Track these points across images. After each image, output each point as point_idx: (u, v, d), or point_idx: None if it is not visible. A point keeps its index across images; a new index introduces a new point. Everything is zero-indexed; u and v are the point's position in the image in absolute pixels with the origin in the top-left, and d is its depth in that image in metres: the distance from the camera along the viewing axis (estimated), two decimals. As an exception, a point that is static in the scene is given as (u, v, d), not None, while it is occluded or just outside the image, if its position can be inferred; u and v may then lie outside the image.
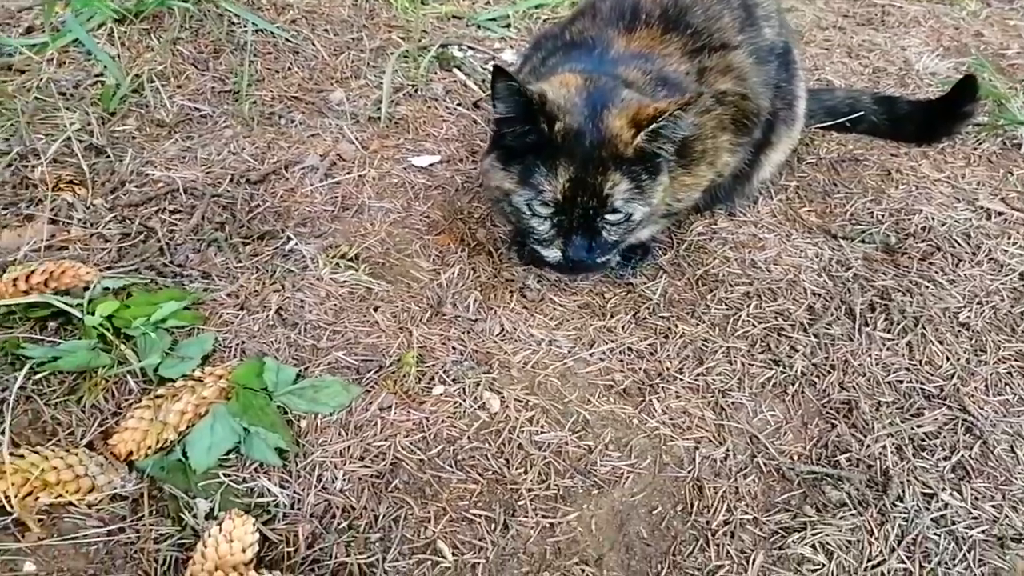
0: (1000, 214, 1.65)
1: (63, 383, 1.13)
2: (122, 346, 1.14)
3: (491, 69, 1.15)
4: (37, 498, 0.98)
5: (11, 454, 1.00)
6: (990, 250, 1.55)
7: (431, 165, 1.69)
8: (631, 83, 1.27)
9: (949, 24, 2.44)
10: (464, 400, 1.18)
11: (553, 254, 1.26)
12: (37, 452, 1.01)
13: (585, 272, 1.34)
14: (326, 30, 2.02)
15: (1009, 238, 1.58)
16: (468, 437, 1.13)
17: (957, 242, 1.56)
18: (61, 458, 1.01)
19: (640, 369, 1.28)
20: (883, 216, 1.64)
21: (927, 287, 1.45)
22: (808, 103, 1.72)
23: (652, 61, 1.32)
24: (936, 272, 1.49)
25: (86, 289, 1.23)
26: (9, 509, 0.96)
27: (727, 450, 1.16)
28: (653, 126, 1.14)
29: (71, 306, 1.17)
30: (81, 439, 1.08)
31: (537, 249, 1.27)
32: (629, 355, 1.30)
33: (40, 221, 1.43)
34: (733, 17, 1.41)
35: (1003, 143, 1.88)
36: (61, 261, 1.26)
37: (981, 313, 1.41)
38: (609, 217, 1.21)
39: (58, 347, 1.14)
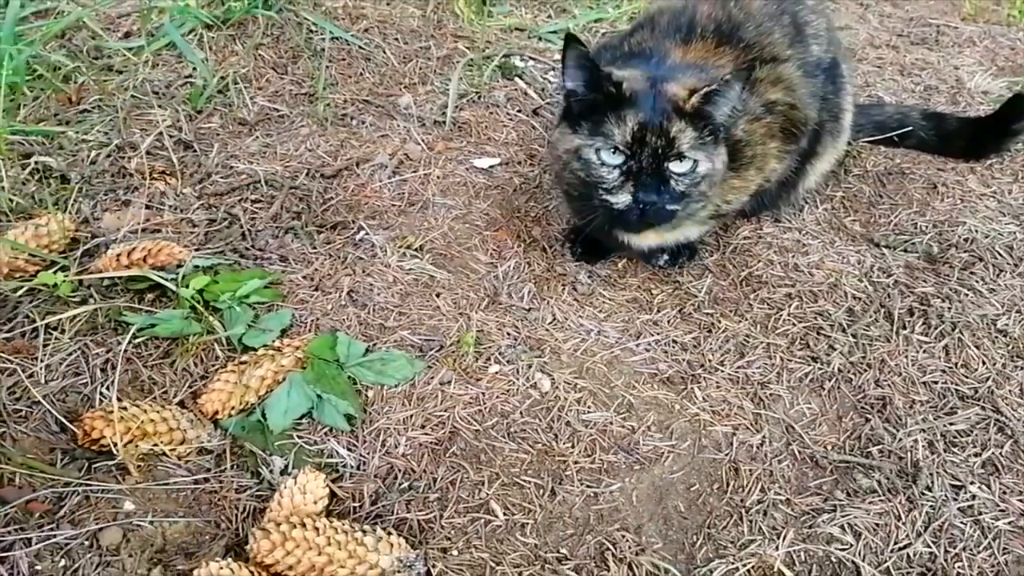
0: (1046, 231, 1.69)
1: (159, 348, 1.26)
2: (211, 317, 1.27)
3: (564, 38, 1.25)
4: (137, 446, 1.11)
5: (117, 406, 1.12)
6: (1033, 262, 1.58)
7: (491, 167, 1.80)
8: None
9: (1005, 44, 2.47)
10: (517, 379, 1.28)
11: (623, 199, 1.29)
12: (137, 406, 1.14)
13: (654, 219, 1.33)
14: (396, 39, 2.14)
15: (1052, 252, 1.62)
16: (520, 412, 1.23)
17: (999, 253, 1.60)
18: (157, 412, 1.13)
19: (683, 360, 1.36)
20: (926, 227, 1.69)
21: (966, 295, 1.50)
22: (857, 117, 1.79)
23: (706, 71, 1.40)
24: (976, 281, 1.54)
25: (179, 266, 1.36)
26: (115, 453, 1.08)
27: (763, 437, 1.23)
28: (707, 90, 1.24)
29: (167, 280, 1.30)
30: (174, 398, 1.20)
31: (606, 199, 1.30)
32: (673, 347, 1.38)
33: (137, 206, 1.58)
34: (783, 33, 1.48)
35: (1052, 161, 1.90)
36: (157, 240, 1.39)
37: (1020, 321, 1.45)
38: (675, 166, 1.27)
39: (155, 316, 1.27)
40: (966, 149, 1.87)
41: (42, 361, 1.20)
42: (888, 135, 1.89)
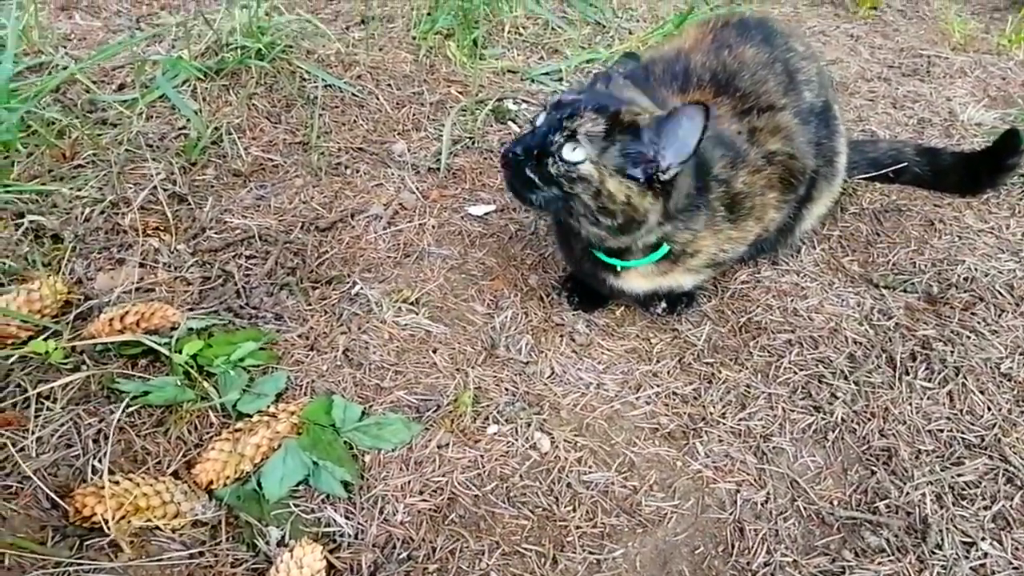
0: (1045, 266, 1.67)
1: (152, 416, 1.24)
2: (205, 383, 1.25)
3: None
4: (129, 521, 1.08)
5: (108, 480, 1.10)
6: (1033, 301, 1.57)
7: (486, 214, 1.79)
8: None
9: (996, 75, 2.47)
10: (516, 440, 1.26)
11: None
12: (130, 479, 1.12)
13: (510, 178, 1.28)
14: (389, 85, 2.15)
15: (1053, 290, 1.60)
16: (520, 475, 1.21)
17: (1000, 293, 1.59)
18: (151, 485, 1.11)
19: (684, 413, 1.34)
20: (925, 266, 1.68)
21: (969, 337, 1.49)
22: (852, 155, 1.78)
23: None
24: (978, 322, 1.52)
25: (173, 329, 1.35)
26: (106, 531, 1.06)
27: (768, 494, 1.21)
28: (653, 116, 1.22)
29: (160, 345, 1.28)
30: (168, 468, 1.18)
31: None
32: (674, 399, 1.37)
33: (131, 265, 1.56)
34: (777, 81, 1.48)
35: (1049, 194, 1.90)
36: (151, 303, 1.38)
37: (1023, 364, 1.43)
38: (566, 149, 1.21)
39: (148, 383, 1.25)
40: (961, 184, 1.87)
41: (33, 433, 1.18)
42: (883, 172, 1.88)
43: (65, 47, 2.26)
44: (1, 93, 1.81)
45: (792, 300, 1.58)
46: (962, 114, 2.21)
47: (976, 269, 1.65)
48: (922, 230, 1.79)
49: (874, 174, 1.89)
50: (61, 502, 1.09)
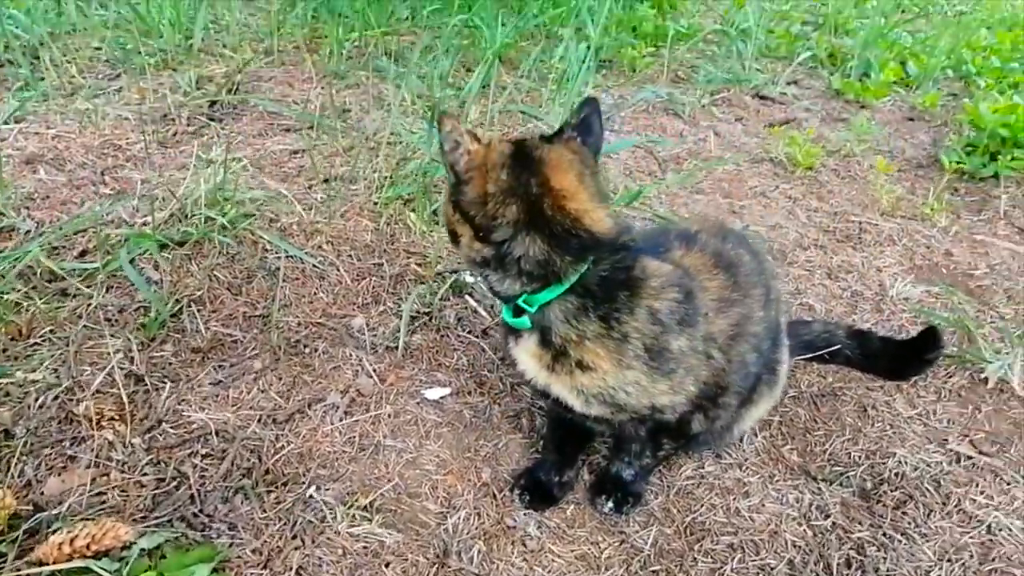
0: (969, 458, 1.78)
1: (99, 652, 1.23)
2: (156, 615, 1.25)
3: None
4: None
5: None
6: (959, 500, 1.66)
7: (442, 398, 1.84)
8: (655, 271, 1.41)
9: (921, 242, 2.65)
10: (467, 671, 1.27)
11: None
12: None
13: None
14: (350, 255, 2.22)
15: (976, 486, 1.70)
16: None
17: (928, 490, 1.68)
18: None
19: (631, 631, 1.37)
20: (859, 457, 1.77)
21: (900, 541, 1.56)
22: (788, 337, 1.89)
23: (694, 281, 1.47)
24: (908, 523, 1.60)
25: (125, 548, 1.35)
26: None
27: None
28: None
29: (110, 573, 1.28)
30: None
31: None
32: (621, 615, 1.40)
33: (82, 464, 1.57)
34: (760, 293, 1.58)
35: (971, 376, 2.03)
36: (101, 521, 1.38)
37: (951, 572, 1.51)
38: None
39: (98, 615, 1.24)
40: (889, 370, 1.98)
41: (-25, 678, 1.16)
42: (818, 353, 1.99)
43: (28, 207, 2.29)
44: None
45: (735, 498, 1.65)
46: (891, 289, 2.35)
47: (906, 463, 1.75)
48: (856, 417, 1.89)
49: (810, 355, 2.00)
50: None
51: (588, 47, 3.36)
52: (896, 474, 1.72)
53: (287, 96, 3.23)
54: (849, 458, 1.77)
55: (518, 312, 1.39)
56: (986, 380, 2.01)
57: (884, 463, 1.75)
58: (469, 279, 2.19)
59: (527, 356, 1.45)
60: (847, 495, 1.68)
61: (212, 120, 2.98)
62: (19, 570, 1.30)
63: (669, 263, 1.46)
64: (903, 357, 1.96)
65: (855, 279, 2.41)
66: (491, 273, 1.38)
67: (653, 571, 1.48)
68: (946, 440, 1.82)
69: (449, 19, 3.65)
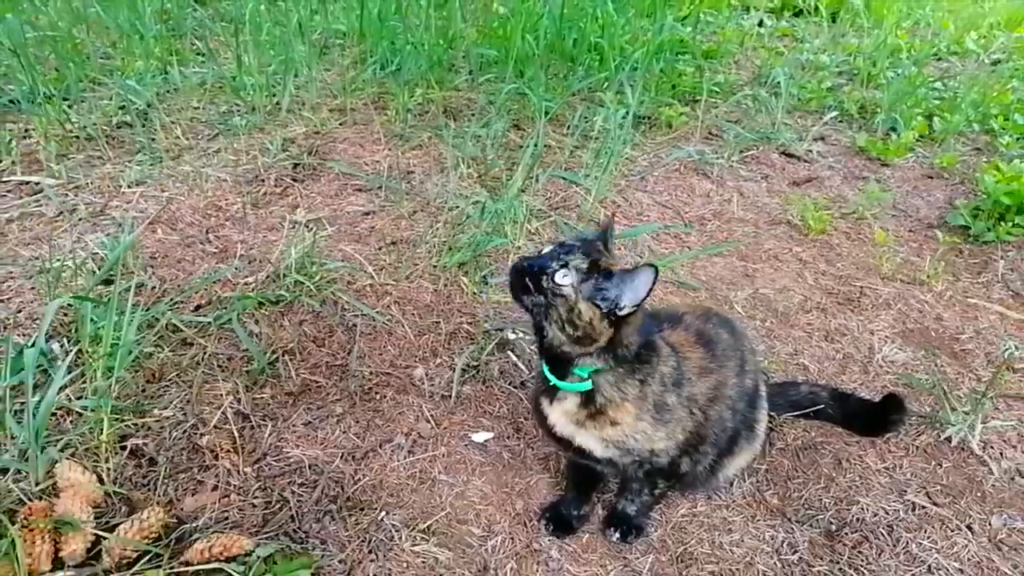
0: (923, 508, 2.12)
1: (232, 632, 1.69)
2: (272, 607, 1.70)
3: None
4: None
5: None
6: (907, 543, 2.02)
7: (486, 441, 2.27)
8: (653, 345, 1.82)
9: (915, 307, 2.98)
10: (498, 660, 1.70)
11: None
12: None
13: (512, 275, 1.75)
14: (413, 314, 2.67)
15: (924, 532, 2.05)
16: None
17: (882, 534, 2.04)
18: None
19: (626, 637, 1.78)
20: (829, 503, 2.13)
21: (852, 575, 1.93)
22: (777, 397, 2.28)
23: (678, 356, 1.87)
24: (861, 561, 1.97)
25: (247, 555, 1.81)
26: None
27: None
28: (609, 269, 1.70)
29: (238, 574, 1.74)
30: (243, 675, 1.62)
31: None
32: (620, 624, 1.81)
33: (209, 487, 2.04)
34: (736, 363, 1.97)
35: (938, 435, 2.37)
36: (230, 533, 1.84)
37: (890, 602, 1.87)
38: (559, 274, 1.68)
39: (230, 604, 1.70)
40: (863, 428, 2.34)
41: (147, 645, 1.63)
42: (803, 412, 2.36)
43: (152, 266, 2.80)
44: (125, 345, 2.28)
45: (719, 534, 2.03)
46: (879, 353, 2.70)
47: (867, 510, 2.11)
48: (831, 468, 2.25)
49: (797, 413, 2.37)
50: None
51: (627, 112, 3.76)
52: (858, 519, 2.08)
53: (359, 158, 3.71)
54: (820, 503, 2.13)
55: (560, 376, 1.80)
56: (950, 439, 2.35)
57: (849, 509, 2.11)
58: (511, 336, 2.62)
59: (559, 414, 1.86)
60: (815, 535, 2.04)
61: (295, 181, 3.47)
62: (173, 568, 1.77)
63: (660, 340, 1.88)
64: (874, 418, 2.32)
65: (848, 342, 2.76)
66: (580, 350, 1.75)
67: (648, 591, 1.88)
68: (905, 491, 2.17)
69: (503, 85, 4.10)
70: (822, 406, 2.35)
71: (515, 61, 4.33)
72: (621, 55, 4.54)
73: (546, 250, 1.76)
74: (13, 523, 1.75)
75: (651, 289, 1.64)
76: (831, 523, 2.08)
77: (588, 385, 1.78)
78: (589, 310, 1.68)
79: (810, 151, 4.30)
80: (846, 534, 2.04)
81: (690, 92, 4.73)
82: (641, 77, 4.35)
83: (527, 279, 1.72)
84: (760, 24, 6.18)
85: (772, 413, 2.30)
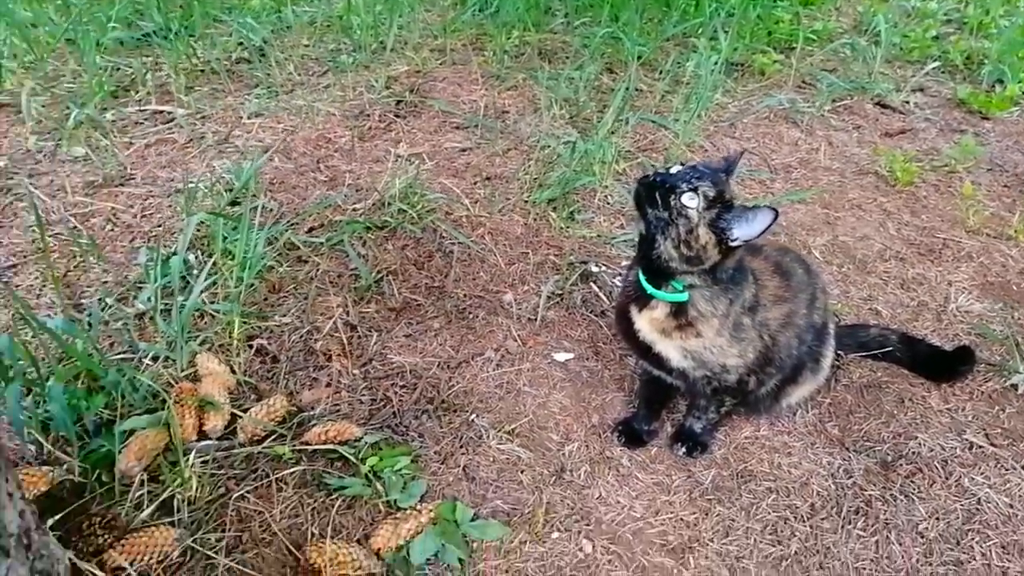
0: (980, 447, 2.23)
1: (345, 502, 1.98)
2: (378, 484, 1.98)
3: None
4: (336, 570, 1.82)
5: (320, 544, 1.84)
6: (960, 476, 2.14)
7: (567, 360, 2.48)
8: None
9: (998, 261, 3.01)
10: (569, 543, 1.93)
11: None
12: (334, 543, 1.85)
13: (641, 186, 1.86)
14: (504, 244, 2.88)
15: (978, 468, 2.17)
16: (569, 569, 1.88)
17: (936, 467, 2.17)
18: (346, 548, 1.84)
19: (685, 535, 1.98)
20: (888, 437, 2.27)
21: (902, 501, 2.07)
22: (846, 338, 2.41)
23: (758, 280, 2.02)
24: (912, 489, 2.11)
25: (357, 441, 2.09)
26: (324, 574, 1.80)
27: (731, 600, 1.85)
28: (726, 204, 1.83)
29: (350, 454, 2.03)
30: (353, 537, 1.91)
31: None
32: (680, 524, 2.01)
33: (322, 384, 2.33)
34: (807, 297, 2.10)
35: (1004, 383, 2.45)
36: (342, 421, 2.13)
37: (936, 526, 2.01)
38: (686, 197, 1.80)
39: (343, 480, 1.99)
40: (930, 373, 2.44)
41: (276, 505, 1.94)
42: (872, 352, 2.48)
43: (270, 191, 3.10)
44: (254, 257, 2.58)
45: (779, 456, 2.20)
46: (954, 302, 2.76)
47: (924, 445, 2.23)
48: (893, 405, 2.37)
49: (865, 353, 2.49)
50: (296, 552, 1.84)
51: (719, 59, 3.82)
52: (914, 452, 2.21)
53: (457, 96, 3.90)
54: (879, 436, 2.27)
55: (656, 287, 1.93)
56: (1016, 387, 2.42)
57: (907, 443, 2.24)
58: (595, 269, 2.81)
59: (646, 321, 2.00)
60: (870, 463, 2.19)
61: (398, 117, 3.70)
62: (295, 447, 2.07)
63: None
64: (942, 365, 2.41)
65: (924, 291, 2.83)
66: (685, 268, 1.87)
67: (708, 499, 2.08)
68: (964, 431, 2.28)
69: (597, 29, 4.20)
70: (891, 348, 2.46)
71: (610, 5, 4.41)
72: (717, 0, 4.55)
73: (675, 169, 1.86)
74: (164, 401, 2.08)
75: (767, 228, 1.75)
76: (887, 454, 2.21)
77: (685, 296, 1.90)
78: (706, 235, 1.81)
79: (907, 102, 4.25)
80: (901, 465, 2.18)
81: (786, 39, 4.70)
82: (736, 23, 4.36)
83: (656, 193, 1.82)
84: (867, -31, 5.98)
85: (840, 352, 2.43)
